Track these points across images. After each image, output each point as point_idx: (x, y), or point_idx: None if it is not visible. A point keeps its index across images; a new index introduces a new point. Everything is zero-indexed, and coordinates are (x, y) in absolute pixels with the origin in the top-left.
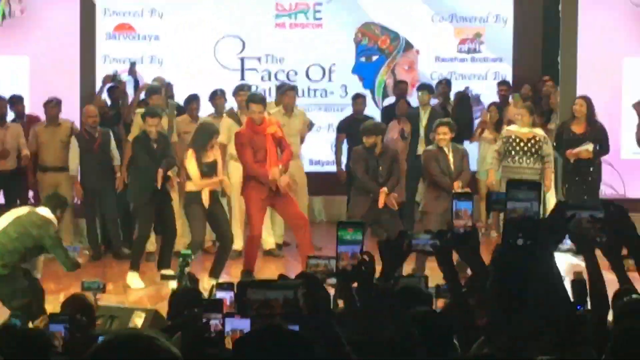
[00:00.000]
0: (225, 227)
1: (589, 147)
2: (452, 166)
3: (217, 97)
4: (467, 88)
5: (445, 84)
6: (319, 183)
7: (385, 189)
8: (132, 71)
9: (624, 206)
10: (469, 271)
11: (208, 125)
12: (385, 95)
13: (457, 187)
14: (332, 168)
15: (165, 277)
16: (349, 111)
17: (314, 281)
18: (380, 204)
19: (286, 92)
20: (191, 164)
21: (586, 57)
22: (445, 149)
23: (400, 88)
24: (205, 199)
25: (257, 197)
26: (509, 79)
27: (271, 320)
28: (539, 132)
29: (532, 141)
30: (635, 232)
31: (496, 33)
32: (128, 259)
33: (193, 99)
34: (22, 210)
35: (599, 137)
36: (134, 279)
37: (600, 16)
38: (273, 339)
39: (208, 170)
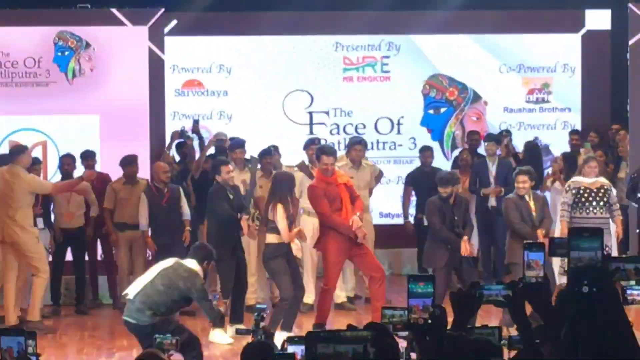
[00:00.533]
0: (300, 279)
1: None
2: (534, 214)
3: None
4: (536, 138)
5: (506, 134)
6: (386, 236)
7: (465, 237)
8: (195, 128)
9: None
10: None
11: (288, 176)
12: (454, 147)
13: (541, 235)
14: (401, 220)
15: (240, 332)
16: (417, 163)
17: (383, 331)
18: (464, 252)
19: (353, 145)
20: (281, 217)
21: None
22: (527, 197)
23: (473, 139)
24: (297, 249)
25: (337, 248)
26: (578, 128)
27: None
28: (604, 180)
29: (602, 190)
30: None
31: (564, 82)
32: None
33: (267, 154)
34: (168, 263)
35: None
36: (219, 335)
37: None
38: None
39: (289, 222)
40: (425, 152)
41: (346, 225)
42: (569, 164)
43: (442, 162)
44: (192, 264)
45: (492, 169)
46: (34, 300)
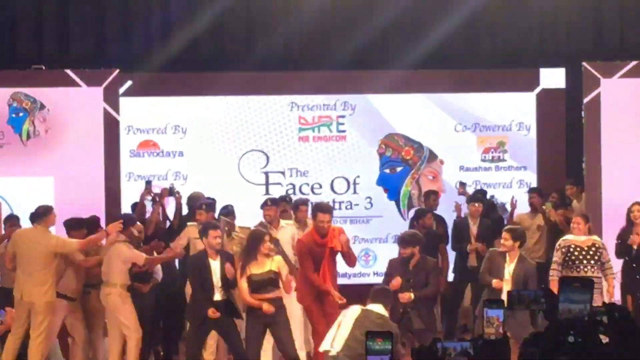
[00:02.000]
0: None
1: None
2: (506, 272)
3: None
4: (492, 197)
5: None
6: (346, 295)
7: (409, 295)
8: (148, 189)
9: None
10: None
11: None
12: (410, 206)
13: (497, 285)
14: (359, 280)
15: None
16: (374, 223)
17: None
18: (401, 299)
19: (299, 206)
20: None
21: (611, 160)
22: (507, 256)
23: (433, 199)
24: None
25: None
26: (534, 186)
27: None
28: (596, 239)
29: (593, 249)
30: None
31: (520, 141)
32: None
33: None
34: (356, 311)
35: None
36: None
37: (622, 119)
38: None
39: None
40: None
41: (321, 288)
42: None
43: (398, 222)
44: (379, 308)
45: (474, 228)
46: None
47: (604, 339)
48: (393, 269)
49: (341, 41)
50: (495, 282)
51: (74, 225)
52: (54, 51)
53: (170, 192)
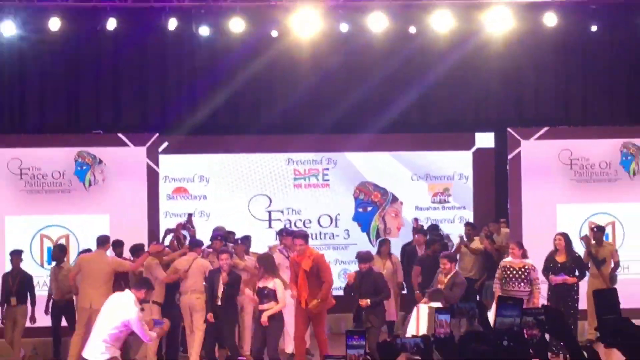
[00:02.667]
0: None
1: (565, 277)
2: (440, 286)
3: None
4: (440, 230)
5: (418, 225)
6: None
7: (366, 300)
8: (189, 221)
9: None
10: None
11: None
12: (378, 236)
13: (419, 299)
14: (340, 292)
15: None
16: (351, 249)
17: None
18: (361, 303)
19: (283, 235)
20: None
21: (529, 202)
22: (446, 275)
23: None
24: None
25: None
26: (471, 221)
27: None
28: (528, 262)
29: (523, 269)
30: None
31: (460, 187)
32: None
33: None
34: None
35: (578, 265)
36: None
37: (537, 172)
38: None
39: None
40: (434, 245)
41: (293, 293)
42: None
43: (369, 248)
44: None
45: (420, 251)
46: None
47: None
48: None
49: (326, 112)
50: (418, 296)
51: (135, 251)
52: (108, 119)
53: (184, 226)
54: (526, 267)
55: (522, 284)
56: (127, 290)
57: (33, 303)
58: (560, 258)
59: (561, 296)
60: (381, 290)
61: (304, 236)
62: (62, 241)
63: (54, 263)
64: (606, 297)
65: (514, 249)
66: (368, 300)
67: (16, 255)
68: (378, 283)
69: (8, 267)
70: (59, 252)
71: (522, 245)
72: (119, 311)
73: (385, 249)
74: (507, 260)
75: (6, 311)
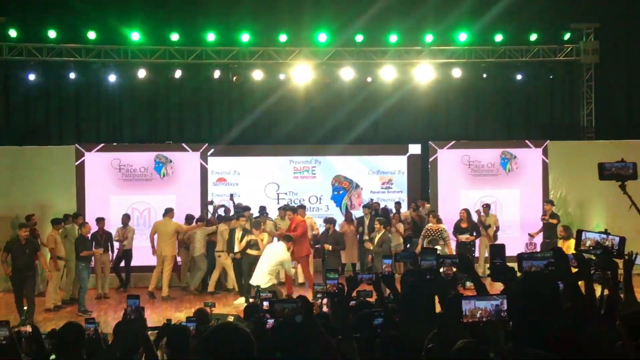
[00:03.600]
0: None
1: (467, 236)
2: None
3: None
4: (386, 206)
5: (373, 203)
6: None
7: (328, 245)
8: (231, 198)
9: None
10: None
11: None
12: (347, 210)
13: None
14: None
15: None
16: (330, 216)
17: (305, 299)
18: (326, 248)
19: (286, 211)
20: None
21: (443, 189)
22: (378, 233)
23: (370, 206)
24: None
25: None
26: (405, 200)
27: (286, 318)
28: (442, 226)
29: (438, 231)
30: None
31: (399, 179)
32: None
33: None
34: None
35: (475, 229)
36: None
37: (448, 171)
38: (289, 328)
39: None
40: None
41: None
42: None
43: (341, 217)
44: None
45: (366, 221)
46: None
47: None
48: (323, 237)
49: (315, 130)
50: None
51: (188, 219)
52: (176, 134)
53: (210, 203)
54: (440, 229)
55: (440, 241)
56: (280, 241)
57: (113, 251)
58: (464, 224)
59: (464, 248)
60: (339, 243)
61: (293, 209)
62: (146, 212)
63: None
64: (496, 249)
65: (431, 218)
66: (330, 247)
67: (101, 220)
68: (337, 238)
69: (113, 228)
70: (126, 219)
71: (436, 215)
72: (275, 255)
73: (349, 217)
74: (429, 225)
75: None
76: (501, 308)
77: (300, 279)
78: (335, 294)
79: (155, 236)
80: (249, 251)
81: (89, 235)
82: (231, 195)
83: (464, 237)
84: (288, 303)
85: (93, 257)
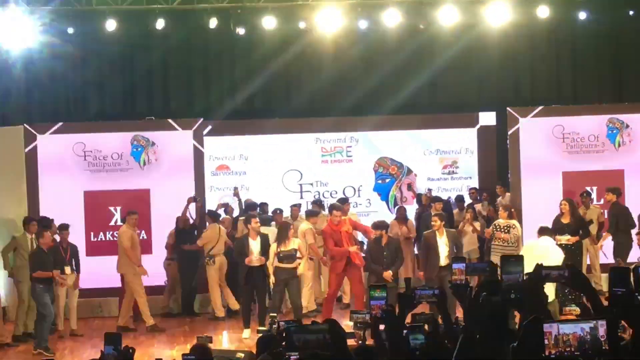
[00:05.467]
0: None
1: (569, 237)
2: (442, 243)
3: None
4: (449, 198)
5: (429, 194)
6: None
7: (389, 272)
8: (235, 193)
9: None
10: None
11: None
12: (395, 204)
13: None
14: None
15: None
16: (372, 215)
17: (335, 323)
18: (385, 278)
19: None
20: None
21: (526, 172)
22: (438, 232)
23: (423, 198)
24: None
25: (334, 268)
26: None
27: (312, 352)
28: (514, 222)
29: (506, 227)
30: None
31: (467, 160)
32: None
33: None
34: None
35: (581, 226)
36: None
37: (533, 146)
38: None
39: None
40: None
41: (341, 253)
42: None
43: (388, 215)
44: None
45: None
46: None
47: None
48: (368, 248)
49: (347, 96)
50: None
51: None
52: (159, 107)
53: (194, 200)
54: (510, 225)
55: (506, 235)
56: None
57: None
58: (565, 220)
59: (568, 254)
60: (396, 255)
61: (341, 208)
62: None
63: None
64: (619, 273)
65: (502, 211)
66: (390, 273)
67: (65, 228)
68: (396, 249)
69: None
70: None
71: (508, 207)
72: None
73: (401, 215)
74: (498, 221)
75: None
76: (598, 334)
77: (347, 298)
78: (382, 319)
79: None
80: (278, 264)
81: (48, 249)
82: (235, 190)
83: (564, 239)
84: (311, 332)
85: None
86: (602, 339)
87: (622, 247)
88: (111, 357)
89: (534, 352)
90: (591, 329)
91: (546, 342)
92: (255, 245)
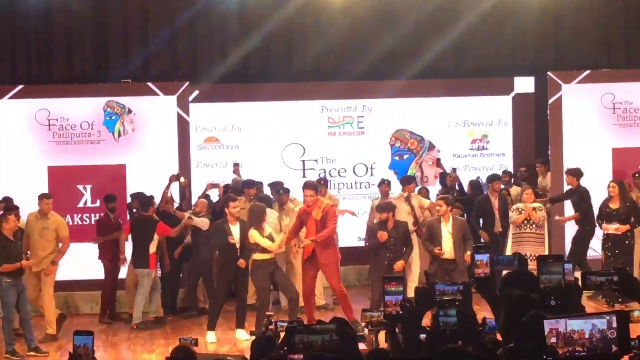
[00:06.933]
0: (292, 286)
1: (617, 226)
2: (446, 231)
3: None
4: (478, 177)
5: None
6: (358, 255)
7: (401, 262)
8: (235, 170)
9: None
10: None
11: (259, 207)
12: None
13: (439, 253)
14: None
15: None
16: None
17: (344, 322)
18: (396, 269)
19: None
20: (259, 238)
21: (570, 148)
22: (443, 219)
23: (452, 177)
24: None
25: (304, 261)
26: (510, 170)
27: (315, 354)
28: (537, 204)
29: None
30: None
31: (499, 134)
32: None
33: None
34: None
35: (633, 212)
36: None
37: (579, 117)
38: None
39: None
40: (382, 184)
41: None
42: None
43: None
44: None
45: (495, 202)
46: None
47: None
48: (372, 232)
49: (359, 58)
50: (437, 250)
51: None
52: (137, 68)
53: (177, 178)
54: (535, 208)
55: (531, 226)
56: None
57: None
58: (614, 204)
59: (617, 246)
60: (405, 242)
61: (313, 186)
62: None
63: None
64: None
65: (528, 191)
66: (402, 262)
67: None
68: (404, 234)
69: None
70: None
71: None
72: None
73: (424, 196)
74: (518, 205)
75: None
76: (608, 335)
77: (321, 300)
78: (400, 317)
79: None
80: (255, 256)
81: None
82: (235, 167)
83: (612, 228)
84: (316, 333)
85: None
86: (611, 333)
87: None
88: (82, 349)
89: (534, 354)
90: (603, 327)
91: (553, 340)
92: (235, 230)
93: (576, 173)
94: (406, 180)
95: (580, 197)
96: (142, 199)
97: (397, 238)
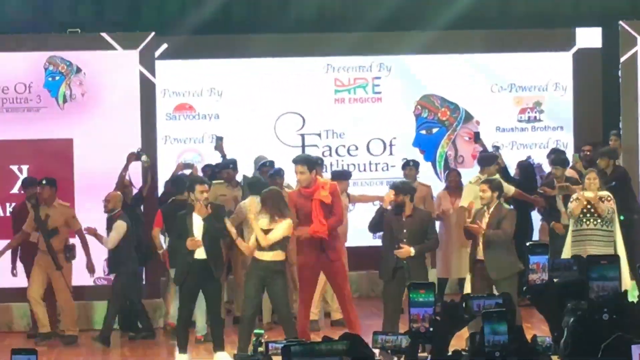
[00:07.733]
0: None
1: None
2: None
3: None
4: (529, 157)
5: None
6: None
7: (408, 248)
8: (218, 146)
9: None
10: None
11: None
12: (447, 168)
13: (474, 229)
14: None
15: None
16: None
17: (358, 341)
18: (399, 254)
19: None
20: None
21: None
22: (486, 207)
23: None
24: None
25: (302, 261)
26: (571, 147)
27: None
28: (604, 194)
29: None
30: None
31: (556, 101)
32: None
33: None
34: None
35: None
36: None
37: None
38: None
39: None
40: (407, 167)
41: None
42: None
43: (435, 183)
44: None
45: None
46: None
47: None
48: (387, 224)
49: (376, 1)
50: (473, 227)
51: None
52: (89, 15)
53: (137, 156)
54: (602, 198)
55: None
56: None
57: None
58: None
59: None
60: (424, 234)
61: (307, 160)
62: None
63: None
64: None
65: (593, 179)
66: (411, 249)
67: None
68: (424, 225)
69: None
70: None
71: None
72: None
73: (455, 183)
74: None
75: None
76: None
77: (337, 313)
78: (426, 336)
79: None
80: (257, 253)
81: None
82: (218, 142)
83: None
84: (321, 354)
85: None
86: None
87: None
88: None
89: None
90: None
91: None
92: (197, 222)
93: None
94: (487, 161)
95: None
96: (175, 181)
97: (413, 230)
